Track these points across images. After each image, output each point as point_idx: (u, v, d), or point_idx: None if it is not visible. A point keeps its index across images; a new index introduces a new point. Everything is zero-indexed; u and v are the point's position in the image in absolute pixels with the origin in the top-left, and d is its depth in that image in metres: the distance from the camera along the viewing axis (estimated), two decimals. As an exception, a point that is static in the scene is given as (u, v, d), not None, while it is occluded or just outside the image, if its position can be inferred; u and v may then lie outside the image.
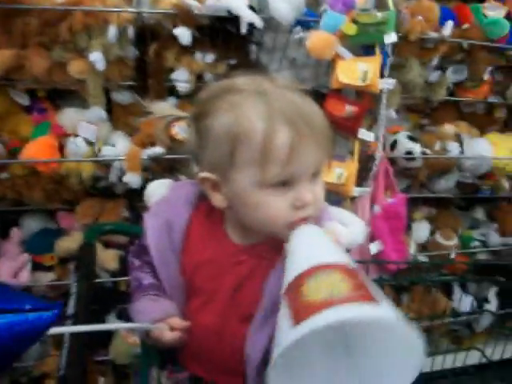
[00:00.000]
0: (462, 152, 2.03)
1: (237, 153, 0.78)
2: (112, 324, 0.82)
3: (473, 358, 2.08)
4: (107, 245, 1.78)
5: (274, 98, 0.79)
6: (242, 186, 0.80)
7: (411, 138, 1.95)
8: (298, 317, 0.62)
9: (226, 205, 0.85)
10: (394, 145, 1.96)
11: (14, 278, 1.76)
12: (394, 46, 1.68)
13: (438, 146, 2.02)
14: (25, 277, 1.77)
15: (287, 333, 0.62)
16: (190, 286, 0.94)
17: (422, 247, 2.26)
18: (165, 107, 0.96)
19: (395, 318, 0.62)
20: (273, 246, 0.86)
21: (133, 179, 1.60)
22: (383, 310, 0.62)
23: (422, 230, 2.22)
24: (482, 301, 2.29)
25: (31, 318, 0.59)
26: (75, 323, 0.90)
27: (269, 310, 0.83)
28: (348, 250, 1.70)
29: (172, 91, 1.68)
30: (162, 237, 0.92)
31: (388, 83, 1.67)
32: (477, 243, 2.30)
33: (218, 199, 0.86)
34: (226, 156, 0.80)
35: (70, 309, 0.92)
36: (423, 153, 1.96)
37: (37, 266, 1.81)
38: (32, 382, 1.83)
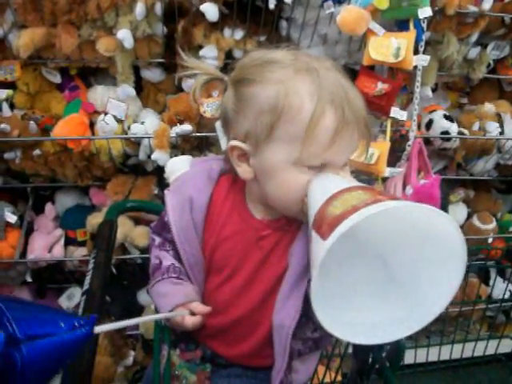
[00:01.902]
0: (502, 132, 1.95)
1: (278, 127, 0.77)
2: (138, 318, 0.83)
3: (506, 346, 2.02)
4: (138, 222, 1.80)
5: (324, 78, 0.77)
6: (274, 160, 0.79)
7: (448, 118, 1.88)
8: (329, 230, 0.61)
9: (251, 177, 0.84)
10: (429, 124, 1.89)
11: (48, 252, 1.81)
12: (430, 20, 1.61)
13: (476, 126, 1.95)
14: (58, 251, 1.82)
15: (320, 249, 0.62)
16: (210, 264, 0.94)
17: (459, 230, 2.20)
18: (205, 65, 0.92)
19: (428, 207, 0.60)
20: (294, 219, 0.86)
21: (161, 157, 1.60)
22: (413, 203, 0.61)
23: (458, 213, 2.16)
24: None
25: (66, 338, 0.59)
26: (88, 300, 0.91)
27: (295, 280, 0.84)
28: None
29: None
30: (184, 213, 0.92)
31: (422, 60, 1.60)
32: (517, 227, 2.22)
33: (244, 170, 0.84)
34: (265, 128, 0.78)
35: (86, 285, 0.93)
36: (460, 133, 1.89)
37: (70, 241, 1.86)
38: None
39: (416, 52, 1.61)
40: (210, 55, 1.61)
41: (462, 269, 0.63)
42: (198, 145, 1.69)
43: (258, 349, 0.93)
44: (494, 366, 2.01)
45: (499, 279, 2.14)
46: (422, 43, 1.62)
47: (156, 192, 1.80)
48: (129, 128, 1.66)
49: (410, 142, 1.73)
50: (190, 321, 0.90)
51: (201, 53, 1.61)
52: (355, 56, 1.74)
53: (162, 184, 1.80)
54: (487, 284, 2.17)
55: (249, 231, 0.89)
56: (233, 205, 0.92)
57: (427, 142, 1.88)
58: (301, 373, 0.95)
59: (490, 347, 1.97)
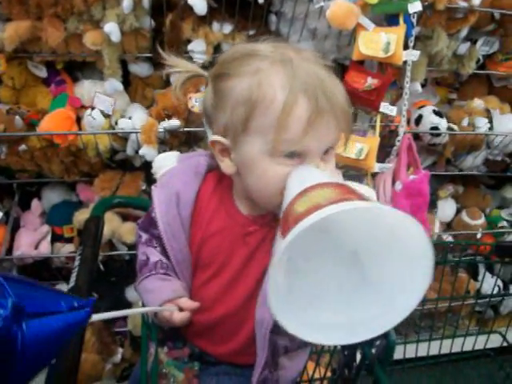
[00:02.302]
0: (491, 128, 1.95)
1: (253, 118, 0.77)
2: (125, 310, 0.82)
3: (494, 341, 2.03)
4: (125, 218, 1.79)
5: (298, 68, 0.77)
6: (251, 152, 0.79)
7: (437, 113, 1.88)
8: (287, 229, 0.60)
9: (234, 171, 0.84)
10: (419, 120, 1.89)
11: (35, 248, 1.79)
12: (420, 15, 1.60)
13: (466, 122, 1.95)
14: (45, 248, 1.80)
15: (278, 247, 0.61)
16: (197, 260, 0.93)
17: (448, 226, 2.21)
18: (184, 62, 0.92)
19: (392, 210, 0.59)
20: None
21: (148, 152, 1.58)
22: (375, 204, 0.60)
23: (447, 209, 2.16)
24: (508, 283, 2.23)
25: (67, 318, 0.58)
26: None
27: None
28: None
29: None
30: (170, 209, 0.91)
31: (412, 55, 1.60)
32: (505, 223, 2.23)
33: (226, 165, 0.85)
34: (241, 120, 0.78)
35: (72, 282, 0.92)
36: (449, 128, 1.89)
37: (57, 238, 1.84)
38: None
39: (406, 47, 1.61)
40: (199, 49, 1.60)
41: (430, 271, 0.62)
42: (186, 140, 1.67)
43: (244, 346, 0.92)
44: (483, 361, 2.02)
45: (488, 274, 2.14)
46: (412, 38, 1.61)
47: (144, 188, 1.78)
48: (116, 123, 1.64)
49: (399, 138, 1.73)
50: (179, 316, 0.89)
51: (189, 47, 1.60)
52: (345, 51, 1.73)
53: (150, 180, 1.79)
54: (476, 279, 2.17)
55: (235, 227, 0.89)
56: (220, 201, 0.91)
57: (416, 137, 1.87)
58: (289, 369, 0.94)
59: (479, 342, 1.97)
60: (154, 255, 0.96)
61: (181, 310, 0.90)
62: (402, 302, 0.66)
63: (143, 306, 1.00)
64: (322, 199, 0.61)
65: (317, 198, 0.63)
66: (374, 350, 0.97)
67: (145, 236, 0.99)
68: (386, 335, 0.93)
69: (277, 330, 0.84)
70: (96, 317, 0.61)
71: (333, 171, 0.83)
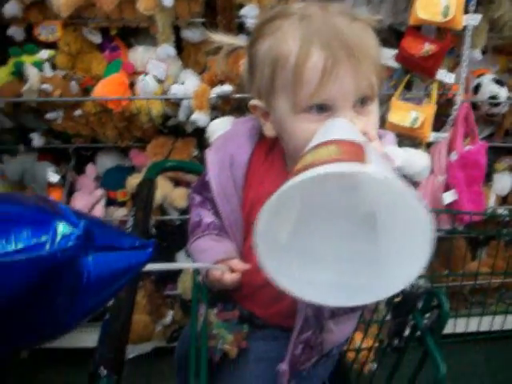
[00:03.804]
0: (554, 98, 1.86)
1: (276, 77, 0.78)
2: (178, 263, 0.84)
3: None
4: (177, 183, 1.81)
5: (314, 21, 0.77)
6: (280, 112, 0.80)
7: (497, 82, 1.80)
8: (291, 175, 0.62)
9: (273, 134, 0.85)
10: (477, 88, 1.82)
11: (90, 212, 1.84)
12: (483, -23, 1.54)
13: (527, 91, 1.86)
14: (99, 211, 1.85)
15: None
16: (248, 222, 0.93)
17: (503, 200, 2.13)
18: (223, 37, 0.93)
19: (390, 178, 0.57)
20: None
21: (200, 118, 1.59)
22: (375, 169, 0.58)
23: (504, 182, 2.08)
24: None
25: (129, 256, 0.58)
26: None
27: None
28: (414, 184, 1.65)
29: (242, 28, 1.64)
30: (224, 171, 0.92)
31: (473, 19, 1.54)
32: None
33: (268, 128, 0.86)
34: (268, 81, 0.79)
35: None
36: (510, 98, 1.81)
37: (110, 202, 1.88)
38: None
39: (466, 11, 1.54)
40: (252, 14, 1.57)
41: (428, 248, 0.60)
42: (238, 106, 1.67)
43: (291, 308, 0.91)
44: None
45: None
46: (473, 2, 1.55)
47: (196, 154, 1.79)
48: (169, 89, 1.65)
49: (456, 107, 1.68)
50: (229, 277, 0.89)
51: (242, 12, 1.58)
52: (401, 16, 1.67)
53: (202, 146, 1.80)
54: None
55: None
56: (272, 163, 0.91)
57: (474, 106, 1.80)
58: (334, 334, 0.94)
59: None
60: (208, 216, 0.97)
61: (232, 271, 0.90)
62: (403, 272, 0.64)
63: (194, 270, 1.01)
64: (323, 156, 0.61)
65: (320, 154, 0.63)
66: (426, 321, 0.96)
67: (198, 198, 1.00)
68: (439, 306, 0.92)
69: None
70: (150, 266, 0.62)
71: (370, 125, 0.80)
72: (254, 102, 0.84)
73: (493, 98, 1.79)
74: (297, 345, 0.90)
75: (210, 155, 0.95)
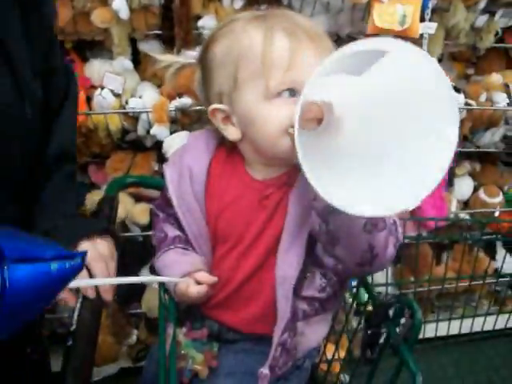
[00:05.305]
0: (510, 103, 1.90)
1: (240, 71, 0.80)
2: (138, 277, 0.83)
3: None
4: (138, 199, 1.77)
5: (269, 16, 0.81)
6: (248, 103, 0.80)
7: (454, 88, 1.83)
8: None
9: (239, 135, 0.85)
10: (435, 95, 1.84)
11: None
12: (437, -14, 1.56)
13: (483, 97, 1.90)
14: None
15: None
16: (215, 233, 0.92)
17: (465, 204, 2.16)
18: (170, 56, 0.94)
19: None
20: (295, 174, 0.84)
21: (160, 131, 1.56)
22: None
23: (464, 187, 2.11)
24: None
25: (54, 267, 0.55)
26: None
27: (294, 229, 0.83)
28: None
29: (201, 39, 1.62)
30: (183, 183, 0.91)
31: (429, 27, 1.56)
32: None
33: (231, 131, 0.85)
34: (230, 79, 0.81)
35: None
36: (467, 104, 1.84)
37: (70, 220, 1.82)
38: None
39: (422, 20, 1.56)
40: (209, 25, 1.56)
41: (455, 128, 0.61)
42: (198, 119, 1.64)
43: (264, 312, 0.91)
44: (504, 340, 1.99)
45: (506, 254, 2.11)
46: (429, 11, 1.58)
47: (156, 168, 1.76)
48: (127, 102, 1.61)
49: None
50: (195, 289, 0.89)
51: (199, 23, 1.57)
52: (359, 25, 1.68)
53: (163, 160, 1.77)
54: (494, 259, 2.14)
55: (251, 194, 0.88)
56: (233, 170, 0.91)
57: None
58: (307, 337, 0.93)
59: (500, 322, 1.95)
60: (172, 231, 0.97)
61: (198, 283, 0.89)
62: (426, 174, 0.64)
63: (159, 285, 0.99)
64: None
65: None
66: (398, 330, 0.95)
67: (162, 215, 1.00)
68: (411, 314, 0.91)
69: (298, 287, 0.85)
70: (112, 280, 0.60)
71: None
72: (213, 106, 0.85)
73: (451, 104, 1.81)
74: (277, 347, 0.88)
75: (168, 170, 0.95)
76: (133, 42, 1.64)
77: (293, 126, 0.64)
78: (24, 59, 0.86)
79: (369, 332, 0.98)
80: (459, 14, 1.70)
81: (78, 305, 0.91)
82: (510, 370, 1.94)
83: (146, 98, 1.60)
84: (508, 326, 1.97)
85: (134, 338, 1.90)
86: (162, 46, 1.67)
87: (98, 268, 0.91)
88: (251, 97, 0.79)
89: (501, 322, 1.95)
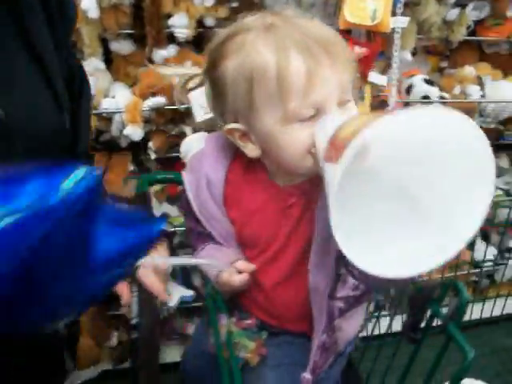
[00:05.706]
0: (483, 96, 1.92)
1: (254, 93, 0.74)
2: (192, 259, 0.89)
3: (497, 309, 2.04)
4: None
5: (279, 28, 0.74)
6: (267, 126, 0.76)
7: (428, 82, 1.85)
8: (340, 150, 0.57)
9: (259, 153, 0.82)
10: (409, 89, 1.86)
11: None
12: (407, -20, 1.57)
13: (457, 90, 1.92)
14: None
15: (334, 174, 0.58)
16: (240, 240, 0.93)
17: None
18: (175, 69, 0.92)
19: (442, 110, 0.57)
20: (316, 179, 0.81)
21: (134, 132, 1.55)
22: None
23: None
24: (504, 251, 2.22)
25: (141, 230, 0.58)
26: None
27: (325, 239, 0.81)
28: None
29: (173, 38, 1.61)
30: (201, 191, 0.91)
31: (400, 22, 1.56)
32: (500, 192, 2.20)
33: (250, 149, 0.82)
34: (244, 99, 0.76)
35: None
36: (441, 97, 1.86)
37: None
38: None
39: (394, 14, 1.57)
40: (181, 24, 1.55)
41: (491, 188, 0.59)
42: (172, 118, 1.63)
43: (299, 315, 0.92)
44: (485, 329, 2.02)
45: (482, 243, 2.15)
46: (400, 5, 1.58)
47: (132, 169, 1.75)
48: (99, 103, 1.59)
49: (390, 108, 1.70)
50: (238, 278, 0.89)
51: (170, 22, 1.55)
52: (331, 20, 1.68)
53: (138, 161, 1.76)
54: (471, 249, 2.16)
55: (275, 202, 0.87)
56: (255, 178, 0.89)
57: (408, 107, 1.84)
58: (345, 331, 0.94)
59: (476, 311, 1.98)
60: (203, 229, 0.97)
61: (239, 272, 0.90)
62: (461, 226, 0.61)
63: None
64: (364, 120, 0.57)
65: (356, 121, 0.60)
66: (446, 310, 0.96)
67: (189, 215, 0.99)
68: (457, 294, 0.92)
69: (333, 295, 0.85)
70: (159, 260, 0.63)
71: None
72: (229, 125, 0.81)
73: (425, 97, 1.82)
74: (316, 351, 0.89)
75: (187, 177, 0.94)
76: (104, 42, 1.62)
77: (315, 146, 0.63)
78: (57, 71, 0.84)
79: (413, 312, 0.99)
80: (430, 8, 1.71)
81: (135, 298, 0.96)
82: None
83: (119, 98, 1.58)
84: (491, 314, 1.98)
85: (115, 340, 1.89)
86: (133, 45, 1.66)
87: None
88: (270, 120, 0.75)
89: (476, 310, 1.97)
